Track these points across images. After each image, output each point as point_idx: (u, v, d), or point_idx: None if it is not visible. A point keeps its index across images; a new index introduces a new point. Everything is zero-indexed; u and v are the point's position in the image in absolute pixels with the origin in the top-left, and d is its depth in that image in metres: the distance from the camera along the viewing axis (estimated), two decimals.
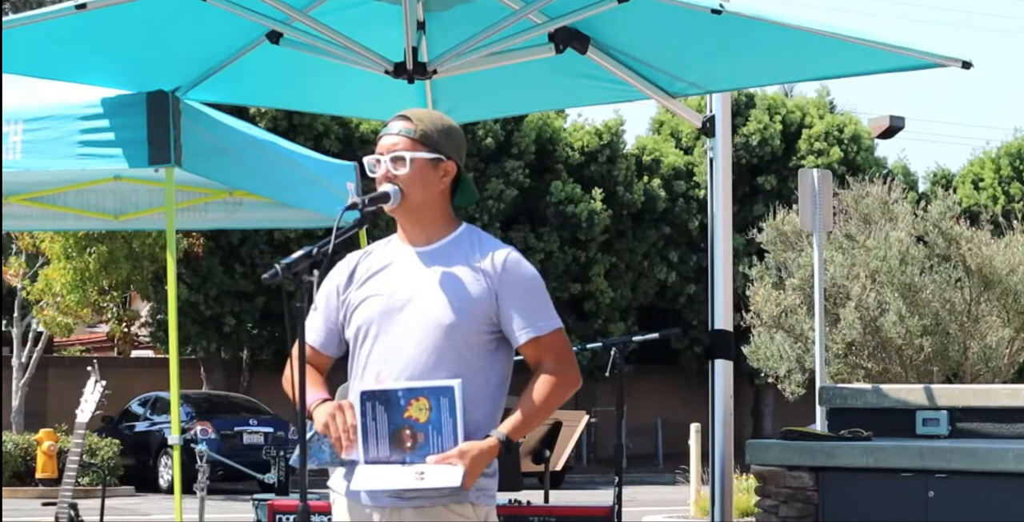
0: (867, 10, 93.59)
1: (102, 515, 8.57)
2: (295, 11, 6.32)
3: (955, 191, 24.91)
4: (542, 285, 3.84)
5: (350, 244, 3.97)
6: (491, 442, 3.68)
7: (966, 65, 5.91)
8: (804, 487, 7.45)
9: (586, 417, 8.56)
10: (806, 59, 6.55)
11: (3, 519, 13.21)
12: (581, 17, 6.28)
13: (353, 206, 3.72)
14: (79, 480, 7.61)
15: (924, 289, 15.45)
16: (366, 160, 3.85)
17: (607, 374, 7.56)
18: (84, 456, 11.86)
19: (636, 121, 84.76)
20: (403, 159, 3.78)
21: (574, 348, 7.49)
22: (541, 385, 3.77)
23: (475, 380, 3.73)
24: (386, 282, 3.81)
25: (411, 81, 6.59)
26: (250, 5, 6.25)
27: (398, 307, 3.76)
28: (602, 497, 17.33)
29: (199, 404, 24.54)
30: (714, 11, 5.73)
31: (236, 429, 23.36)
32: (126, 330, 25.33)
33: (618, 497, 6.94)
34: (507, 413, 4.42)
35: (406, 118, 3.84)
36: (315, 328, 3.88)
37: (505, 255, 3.80)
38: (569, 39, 6.45)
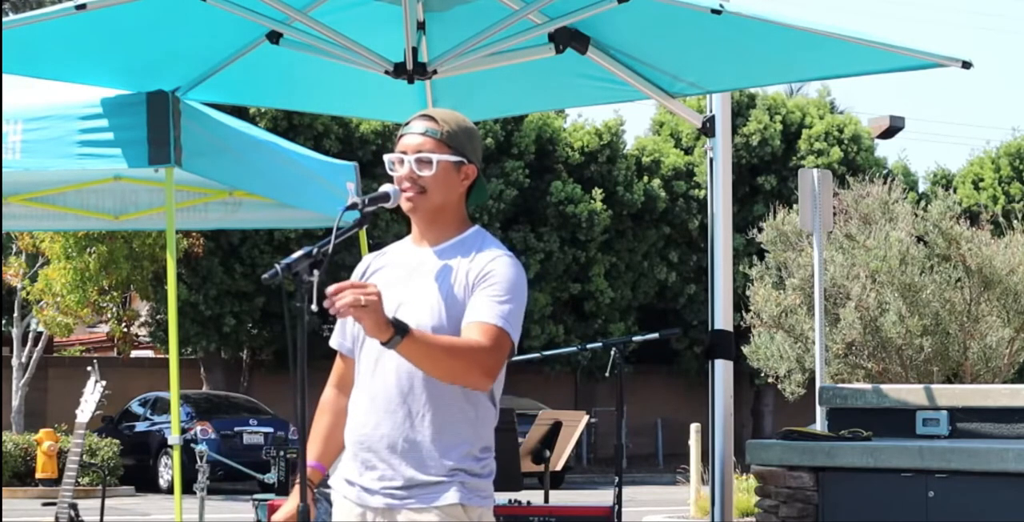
0: (867, 10, 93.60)
1: (102, 515, 8.57)
2: (295, 11, 6.32)
3: (955, 191, 24.96)
4: (515, 290, 3.70)
5: (350, 244, 3.96)
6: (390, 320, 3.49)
7: (966, 65, 5.91)
8: (804, 487, 7.45)
9: (586, 417, 8.56)
10: (806, 59, 6.55)
11: (3, 519, 13.21)
12: (581, 17, 6.28)
13: (353, 206, 3.70)
14: (79, 480, 7.62)
15: (924, 289, 15.44)
16: (386, 158, 3.80)
17: (607, 374, 7.57)
18: (84, 456, 11.86)
19: (636, 121, 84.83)
20: (429, 161, 3.74)
21: (574, 348, 7.56)
22: (463, 340, 3.61)
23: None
24: (387, 283, 3.81)
25: (411, 81, 6.59)
26: (250, 5, 6.25)
27: (392, 308, 3.74)
28: (602, 497, 17.34)
29: (199, 404, 24.55)
30: (714, 11, 5.73)
31: (236, 429, 23.36)
32: (126, 330, 25.32)
33: (618, 497, 6.95)
34: (503, 414, 4.41)
35: (431, 118, 3.79)
36: (341, 333, 3.90)
37: (494, 256, 3.74)
38: (569, 39, 6.46)
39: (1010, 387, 8.14)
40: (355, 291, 3.41)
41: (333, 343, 3.94)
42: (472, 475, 3.71)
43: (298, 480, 3.66)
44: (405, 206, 3.78)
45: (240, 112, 21.67)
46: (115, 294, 24.04)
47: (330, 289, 3.43)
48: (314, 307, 3.44)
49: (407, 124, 3.82)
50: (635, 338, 7.45)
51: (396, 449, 3.69)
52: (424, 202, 3.77)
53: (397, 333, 3.47)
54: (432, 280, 3.75)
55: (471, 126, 3.85)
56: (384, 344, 3.48)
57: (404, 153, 3.77)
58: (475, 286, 3.70)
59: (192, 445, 11.97)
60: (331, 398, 3.93)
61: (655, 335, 7.53)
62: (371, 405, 3.74)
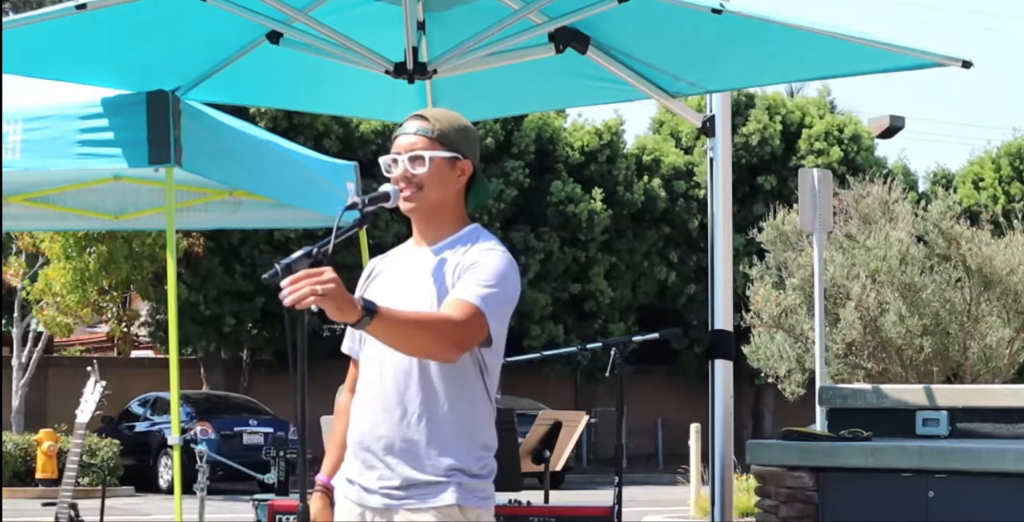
0: (867, 10, 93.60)
1: (102, 515, 8.57)
2: (295, 11, 6.32)
3: (955, 191, 24.92)
4: (501, 278, 3.69)
5: (350, 244, 3.96)
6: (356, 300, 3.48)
7: (966, 65, 5.91)
8: (804, 487, 7.44)
9: (586, 417, 8.55)
10: (806, 59, 6.55)
11: (3, 519, 13.21)
12: (581, 17, 6.28)
13: (353, 206, 3.71)
14: (79, 480, 7.62)
15: (924, 289, 15.43)
16: (381, 160, 3.81)
17: (607, 374, 7.56)
18: (84, 456, 11.86)
19: (636, 121, 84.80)
20: (422, 158, 3.75)
21: (574, 348, 7.55)
22: (433, 313, 3.62)
23: (459, 376, 3.71)
24: (385, 284, 3.82)
25: (411, 81, 6.60)
26: (250, 5, 6.25)
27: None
28: (602, 497, 17.32)
29: (199, 404, 24.56)
30: (714, 11, 5.74)
31: (236, 429, 23.38)
32: (126, 330, 25.34)
33: (618, 497, 6.94)
34: (503, 414, 4.41)
35: (423, 117, 3.82)
36: (351, 338, 3.91)
37: (485, 248, 3.75)
38: (569, 39, 6.46)
39: (1010, 387, 8.14)
40: (310, 281, 3.39)
41: (344, 348, 3.94)
42: (470, 475, 3.71)
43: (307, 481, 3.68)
44: (404, 207, 3.79)
45: (240, 112, 21.66)
46: (115, 294, 24.05)
47: (284, 282, 3.41)
48: (314, 307, 3.44)
49: (401, 126, 3.85)
50: (635, 338, 7.43)
51: (393, 449, 3.70)
52: (421, 200, 3.78)
53: (366, 314, 3.46)
54: (428, 277, 3.76)
55: (465, 123, 3.86)
56: (354, 325, 3.47)
57: (398, 154, 3.79)
58: (462, 274, 3.71)
59: (192, 445, 11.98)
60: (346, 404, 3.92)
61: (655, 335, 7.51)
62: (370, 405, 3.75)
